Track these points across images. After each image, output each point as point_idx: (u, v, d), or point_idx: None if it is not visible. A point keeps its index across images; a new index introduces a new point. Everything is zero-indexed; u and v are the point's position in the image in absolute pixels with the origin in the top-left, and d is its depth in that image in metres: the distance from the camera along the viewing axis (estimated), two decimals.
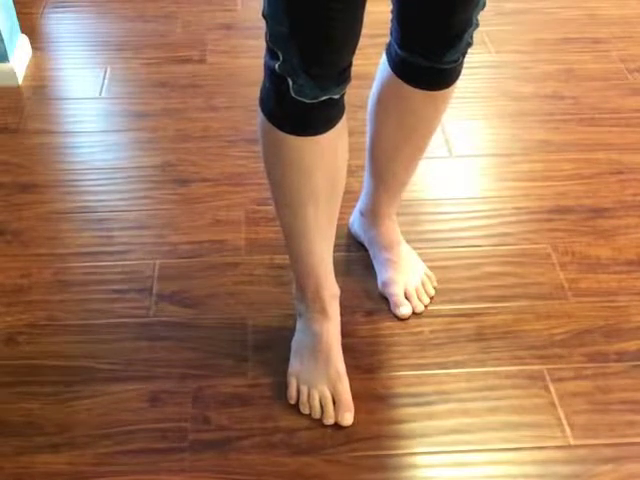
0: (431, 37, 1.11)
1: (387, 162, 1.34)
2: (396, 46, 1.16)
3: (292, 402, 1.28)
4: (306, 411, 1.26)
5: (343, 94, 1.04)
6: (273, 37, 0.97)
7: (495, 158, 1.79)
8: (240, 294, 1.46)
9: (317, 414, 1.26)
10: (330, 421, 1.25)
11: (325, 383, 1.27)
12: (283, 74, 0.98)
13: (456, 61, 1.14)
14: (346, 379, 1.28)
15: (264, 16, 0.97)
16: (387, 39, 1.21)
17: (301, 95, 0.99)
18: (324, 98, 1.00)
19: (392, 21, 1.15)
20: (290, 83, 0.98)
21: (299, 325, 1.33)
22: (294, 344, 1.33)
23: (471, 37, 1.12)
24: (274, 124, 1.05)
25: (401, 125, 1.26)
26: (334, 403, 1.26)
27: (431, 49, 1.12)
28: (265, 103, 1.06)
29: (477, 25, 1.10)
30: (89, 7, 2.32)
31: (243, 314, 1.43)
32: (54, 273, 1.50)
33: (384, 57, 1.22)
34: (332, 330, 1.30)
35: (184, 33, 2.20)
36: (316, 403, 1.26)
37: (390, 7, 1.14)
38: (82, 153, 1.80)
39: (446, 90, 1.20)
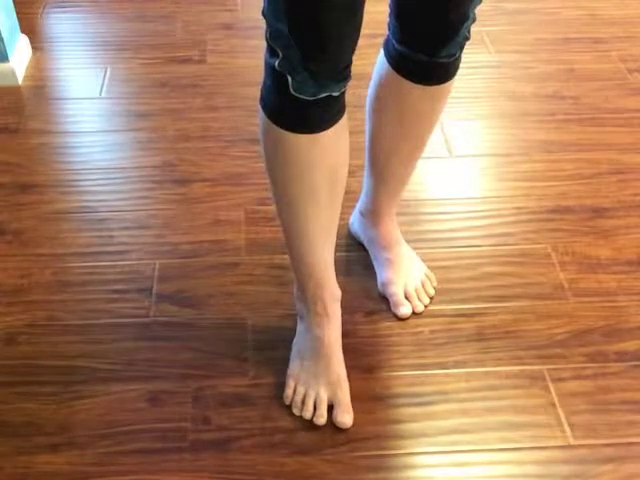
0: (429, 31, 1.11)
1: (386, 160, 1.34)
2: (394, 41, 1.17)
3: (287, 402, 1.28)
4: (297, 412, 1.26)
5: (343, 92, 1.04)
6: (273, 35, 0.97)
7: (495, 158, 1.79)
8: (240, 294, 1.46)
9: (309, 414, 1.25)
10: (322, 421, 1.24)
11: (324, 386, 1.27)
12: (283, 71, 0.99)
13: (454, 55, 1.14)
14: (346, 383, 1.28)
15: (264, 15, 0.98)
16: (385, 39, 1.21)
17: (300, 92, 0.99)
18: (323, 95, 1.00)
19: (390, 16, 1.15)
20: (289, 80, 0.99)
21: (300, 327, 1.33)
22: (295, 346, 1.33)
23: (468, 31, 1.12)
24: (274, 122, 1.05)
25: (400, 121, 1.26)
26: (332, 406, 1.26)
27: (429, 43, 1.12)
28: (265, 101, 1.07)
29: (474, 19, 1.10)
30: (89, 7, 2.32)
31: (243, 314, 1.43)
32: (54, 273, 1.50)
33: (381, 53, 1.22)
34: (333, 333, 1.29)
35: (184, 33, 2.20)
36: (310, 403, 1.26)
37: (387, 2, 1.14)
38: (82, 153, 1.80)
39: (444, 85, 1.20)
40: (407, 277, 1.44)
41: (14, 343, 1.38)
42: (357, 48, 1.01)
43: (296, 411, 1.27)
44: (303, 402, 1.27)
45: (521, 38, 2.17)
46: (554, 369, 1.34)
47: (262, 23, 0.99)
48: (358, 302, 1.45)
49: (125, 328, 1.40)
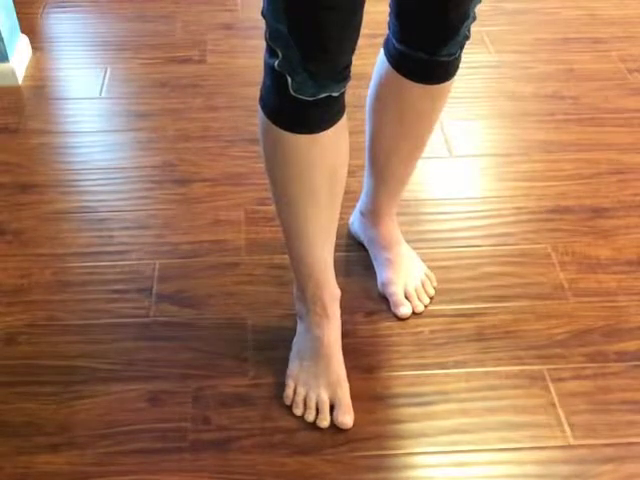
0: (429, 30, 1.11)
1: (386, 159, 1.34)
2: (394, 40, 1.17)
3: (288, 403, 1.27)
4: (299, 413, 1.26)
5: (343, 92, 1.04)
6: (272, 35, 0.97)
7: (495, 158, 1.79)
8: (240, 294, 1.46)
9: (312, 417, 1.25)
10: (325, 423, 1.24)
11: (324, 387, 1.27)
12: (282, 71, 0.99)
13: (454, 54, 1.14)
14: (346, 383, 1.28)
15: (263, 15, 0.98)
16: (385, 38, 1.21)
17: (300, 92, 0.99)
18: (323, 96, 1.00)
19: (390, 15, 1.15)
20: (289, 80, 0.99)
21: (299, 327, 1.33)
22: (294, 346, 1.33)
23: (468, 30, 1.12)
24: (274, 122, 1.05)
25: (400, 121, 1.26)
26: (333, 407, 1.26)
27: (429, 42, 1.12)
28: (265, 101, 1.07)
29: (474, 19, 1.10)
30: (89, 7, 2.32)
31: (243, 314, 1.43)
32: (54, 273, 1.50)
33: (382, 52, 1.22)
34: (333, 333, 1.29)
35: (184, 33, 2.20)
36: (312, 405, 1.26)
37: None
38: (82, 153, 1.80)
39: (444, 84, 1.20)
40: (407, 277, 1.44)
41: (14, 343, 1.38)
42: (357, 48, 1.01)
43: (297, 412, 1.26)
44: (305, 403, 1.27)
45: (521, 38, 2.17)
46: (554, 369, 1.34)
47: (262, 23, 0.99)
48: (358, 302, 1.45)
49: (125, 328, 1.40)
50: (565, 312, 1.43)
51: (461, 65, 1.20)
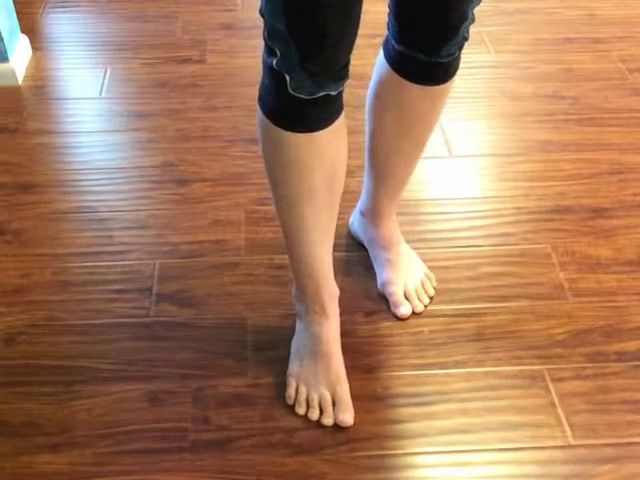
0: (428, 31, 1.11)
1: (386, 159, 1.34)
2: (393, 41, 1.17)
3: (290, 402, 1.28)
4: (301, 412, 1.26)
5: (341, 91, 1.04)
6: (270, 34, 0.98)
7: (495, 158, 1.79)
8: (240, 294, 1.46)
9: (315, 416, 1.26)
10: (329, 421, 1.25)
11: (325, 385, 1.27)
12: (280, 70, 0.99)
13: (453, 55, 1.14)
14: (346, 382, 1.28)
15: (262, 14, 0.98)
16: (384, 39, 1.21)
17: (298, 91, 0.99)
18: (321, 94, 1.00)
19: (389, 16, 1.15)
20: (287, 79, 0.99)
21: (299, 326, 1.33)
22: (294, 345, 1.33)
23: (467, 31, 1.12)
24: (272, 120, 1.06)
25: (400, 121, 1.26)
26: (333, 405, 1.26)
27: (428, 43, 1.12)
28: (263, 100, 1.07)
29: (473, 20, 1.11)
30: (89, 7, 2.32)
31: (243, 314, 1.43)
32: (54, 273, 1.50)
33: (381, 53, 1.23)
34: (332, 332, 1.30)
35: (184, 33, 2.20)
36: (315, 404, 1.26)
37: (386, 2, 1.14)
38: (82, 153, 1.80)
39: (444, 85, 1.20)
40: (407, 277, 1.44)
41: (14, 343, 1.38)
42: (356, 48, 1.01)
43: (300, 411, 1.27)
44: (307, 402, 1.27)
45: (521, 38, 2.17)
46: (554, 369, 1.34)
47: (262, 23, 0.99)
48: (358, 302, 1.45)
49: (125, 328, 1.40)
50: (565, 312, 1.43)
51: (461, 65, 1.20)
